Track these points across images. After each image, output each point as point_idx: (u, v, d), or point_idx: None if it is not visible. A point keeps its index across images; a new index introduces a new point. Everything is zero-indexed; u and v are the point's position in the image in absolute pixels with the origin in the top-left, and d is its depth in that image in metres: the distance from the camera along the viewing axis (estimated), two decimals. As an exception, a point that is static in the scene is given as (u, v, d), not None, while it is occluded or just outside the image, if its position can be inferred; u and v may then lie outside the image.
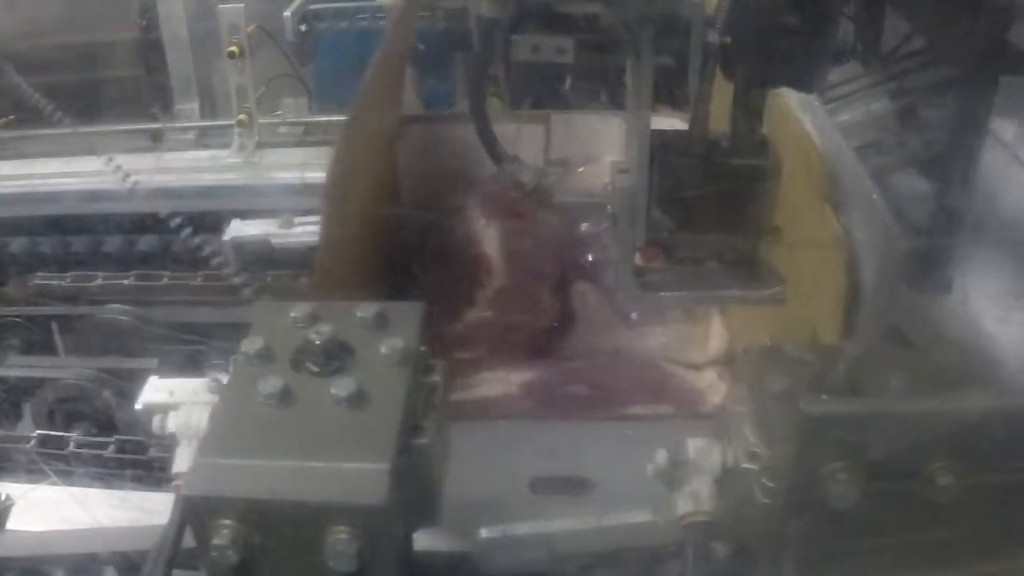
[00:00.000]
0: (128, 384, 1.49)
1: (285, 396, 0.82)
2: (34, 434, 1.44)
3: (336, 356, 0.85)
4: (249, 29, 1.70)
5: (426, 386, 0.88)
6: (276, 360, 0.86)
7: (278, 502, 0.75)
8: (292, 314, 0.90)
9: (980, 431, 0.82)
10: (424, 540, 0.95)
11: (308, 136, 1.86)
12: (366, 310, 0.89)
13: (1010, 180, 1.37)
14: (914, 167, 1.45)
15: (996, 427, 0.82)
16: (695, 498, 0.91)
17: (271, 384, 0.82)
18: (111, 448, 1.42)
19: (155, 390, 1.03)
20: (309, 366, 0.85)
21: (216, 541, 0.76)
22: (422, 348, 0.91)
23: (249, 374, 0.85)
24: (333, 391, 0.81)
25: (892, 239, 0.97)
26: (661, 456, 0.92)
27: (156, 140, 1.82)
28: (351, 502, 0.74)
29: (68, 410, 1.52)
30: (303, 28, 1.74)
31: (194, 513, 0.77)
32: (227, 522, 0.76)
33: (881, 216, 0.99)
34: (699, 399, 1.32)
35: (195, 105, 2.11)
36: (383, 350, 0.85)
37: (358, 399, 0.81)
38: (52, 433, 1.44)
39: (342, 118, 1.92)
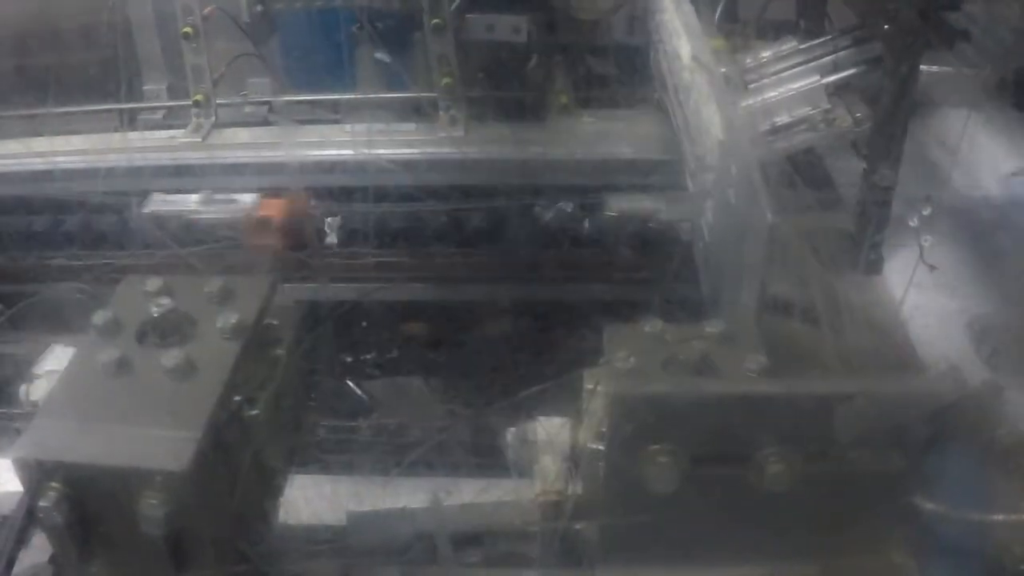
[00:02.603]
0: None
1: (121, 366, 0.84)
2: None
3: (175, 329, 0.87)
4: (208, 10, 1.72)
5: (267, 359, 0.89)
6: (122, 332, 0.88)
7: (95, 466, 0.78)
8: (145, 288, 0.92)
9: (812, 417, 0.79)
10: (289, 513, 0.97)
11: (272, 115, 1.88)
12: (213, 284, 0.90)
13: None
14: (844, 143, 1.41)
15: (828, 413, 0.79)
16: (543, 477, 0.90)
17: (108, 355, 0.84)
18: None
19: (57, 359, 1.08)
20: (151, 338, 0.87)
21: (43, 503, 0.78)
22: (271, 321, 0.92)
23: (95, 344, 0.87)
24: (163, 362, 0.83)
25: (765, 218, 0.95)
26: (510, 435, 0.92)
27: (124, 121, 1.86)
28: (157, 468, 0.76)
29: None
30: (259, 8, 1.75)
31: (25, 475, 0.80)
32: (54, 484, 0.79)
33: (759, 194, 0.97)
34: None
35: (163, 86, 2.16)
36: (219, 323, 0.86)
37: (185, 370, 0.82)
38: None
39: (306, 96, 1.94)
